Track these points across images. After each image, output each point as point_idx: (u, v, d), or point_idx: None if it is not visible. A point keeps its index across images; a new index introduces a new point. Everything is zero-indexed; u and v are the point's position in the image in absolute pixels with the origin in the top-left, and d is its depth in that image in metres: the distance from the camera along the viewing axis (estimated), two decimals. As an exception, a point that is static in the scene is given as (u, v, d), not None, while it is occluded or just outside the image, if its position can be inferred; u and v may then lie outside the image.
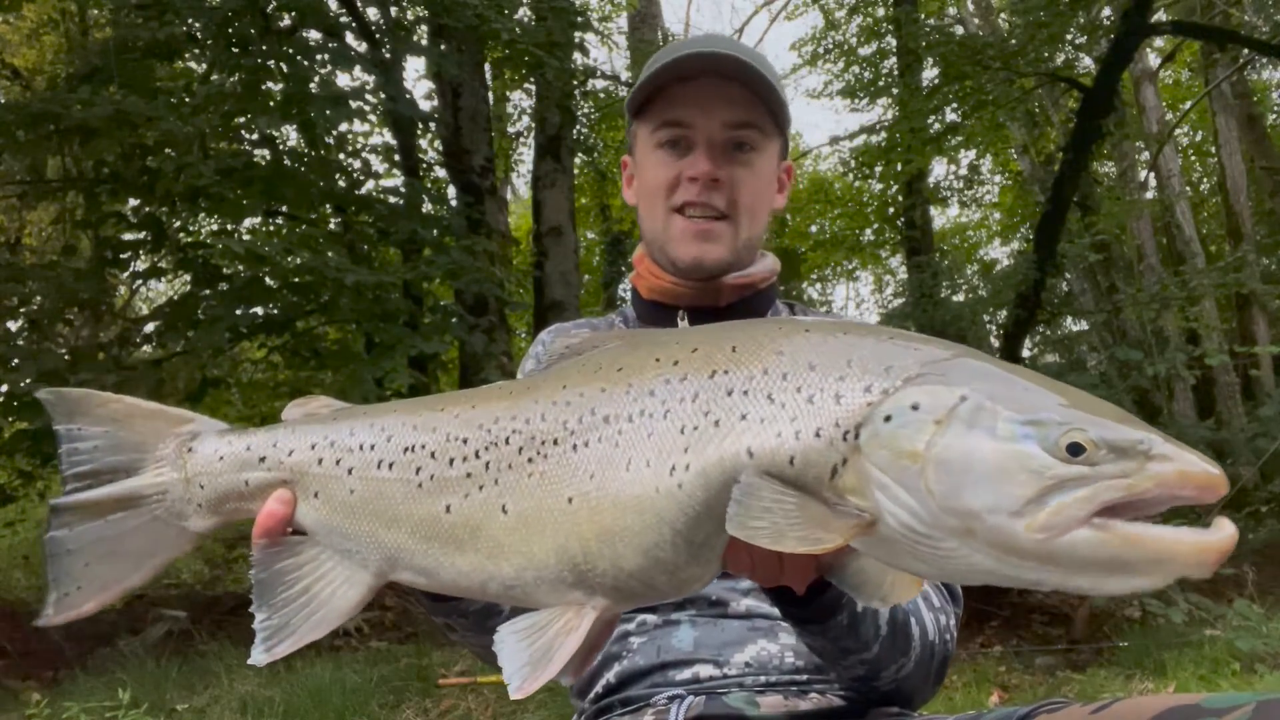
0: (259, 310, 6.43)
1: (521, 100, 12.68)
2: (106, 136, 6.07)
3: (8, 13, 7.78)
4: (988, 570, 0.75)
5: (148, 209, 6.76)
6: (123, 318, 8.39)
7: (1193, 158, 16.11)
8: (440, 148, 8.81)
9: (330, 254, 6.37)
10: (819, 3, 13.51)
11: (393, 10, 7.70)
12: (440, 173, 9.03)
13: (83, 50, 7.75)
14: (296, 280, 6.18)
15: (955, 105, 8.81)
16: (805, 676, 1.27)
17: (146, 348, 7.30)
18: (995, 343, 9.55)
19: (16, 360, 5.77)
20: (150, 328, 6.96)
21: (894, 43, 10.11)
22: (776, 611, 1.26)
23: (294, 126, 7.10)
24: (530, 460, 0.88)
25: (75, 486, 1.03)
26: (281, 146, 7.64)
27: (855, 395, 0.78)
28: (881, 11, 10.88)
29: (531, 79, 9.42)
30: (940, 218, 16.43)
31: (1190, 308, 9.46)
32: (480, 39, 7.73)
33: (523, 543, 0.87)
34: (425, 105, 8.89)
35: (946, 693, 4.68)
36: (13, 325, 6.78)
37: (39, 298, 6.64)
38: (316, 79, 6.55)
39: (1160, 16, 8.36)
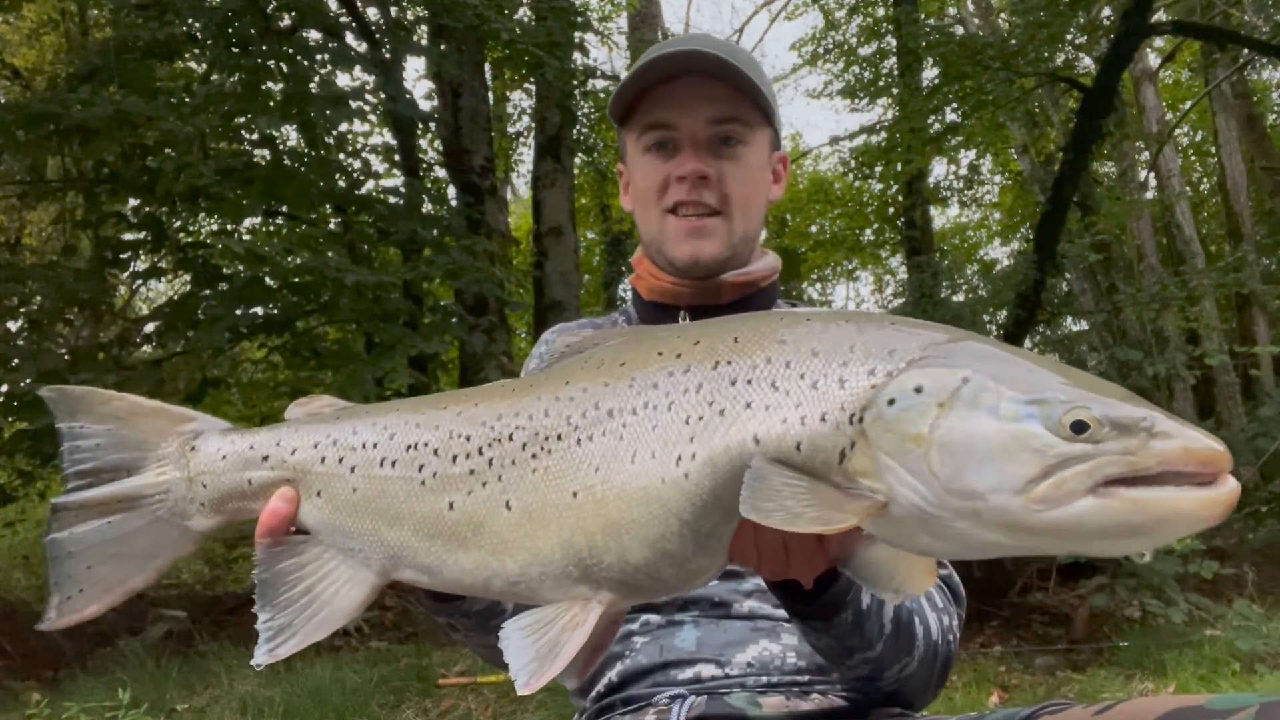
0: (259, 310, 6.44)
1: (521, 100, 12.70)
2: (106, 136, 6.07)
3: (8, 13, 7.78)
4: (1002, 545, 0.75)
5: (148, 209, 6.76)
6: (123, 318, 8.39)
7: (1193, 158, 16.11)
8: (440, 148, 8.81)
9: (330, 254, 6.37)
10: (819, 3, 13.51)
11: (393, 10, 7.70)
12: (440, 173, 9.04)
13: (83, 50, 7.74)
14: (296, 280, 6.18)
15: (955, 105, 8.81)
16: (807, 677, 1.27)
17: (146, 348, 7.31)
18: (995, 343, 9.51)
19: (16, 360, 5.76)
20: (150, 328, 6.97)
21: (894, 43, 10.11)
22: (780, 613, 1.27)
23: (294, 126, 7.10)
24: (534, 456, 0.88)
25: (77, 485, 1.03)
26: (281, 146, 7.64)
27: (859, 379, 0.78)
28: (881, 11, 10.88)
29: (531, 79, 9.42)
30: (940, 218, 16.45)
31: (1190, 308, 9.46)
32: (480, 39, 7.73)
33: (527, 538, 0.87)
34: (425, 105, 8.90)
35: (946, 693, 4.68)
36: (13, 325, 6.78)
37: (39, 298, 6.63)
38: (316, 79, 6.56)
39: (1160, 16, 8.36)
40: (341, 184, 7.04)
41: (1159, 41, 11.49)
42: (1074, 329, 11.11)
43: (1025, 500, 0.71)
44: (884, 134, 10.33)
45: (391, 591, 6.58)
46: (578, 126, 9.72)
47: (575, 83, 8.82)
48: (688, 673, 1.27)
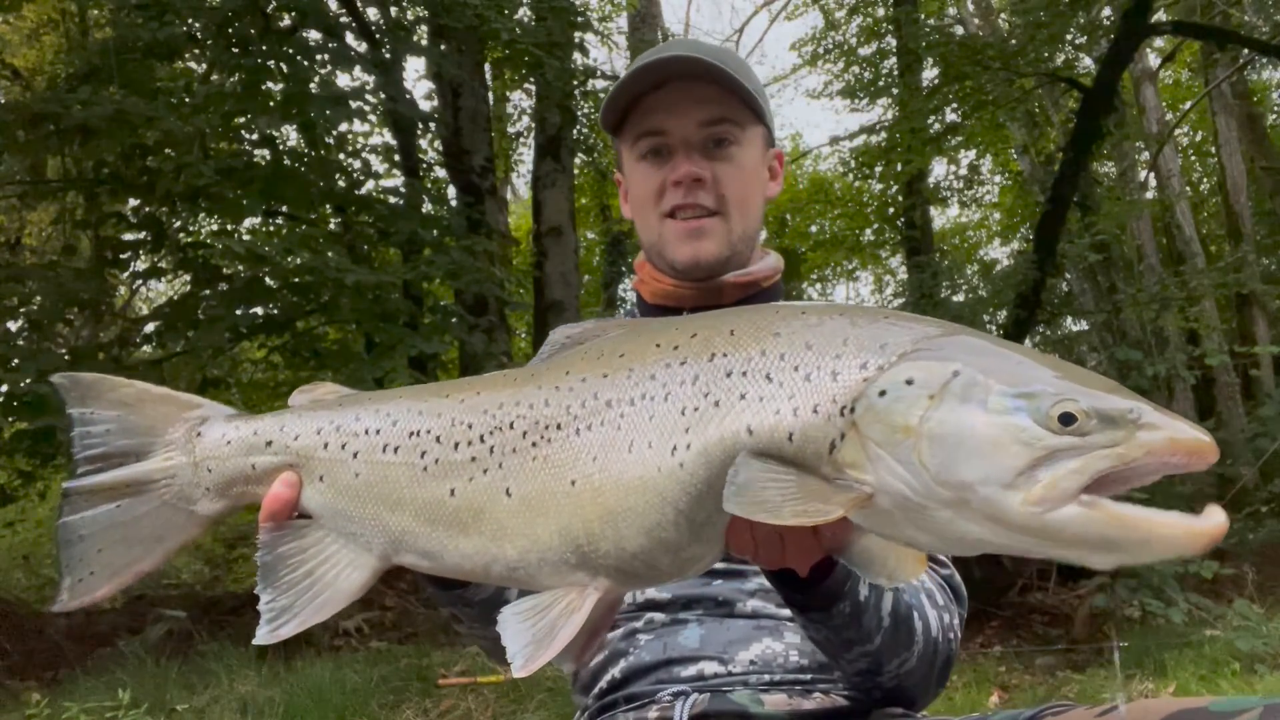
0: (259, 310, 6.45)
1: (521, 100, 12.70)
2: (106, 136, 6.08)
3: (8, 13, 7.79)
4: (983, 540, 0.76)
5: (148, 209, 6.77)
6: (123, 318, 8.39)
7: (1193, 158, 16.12)
8: (440, 148, 8.82)
9: (330, 254, 6.38)
10: (819, 3, 13.54)
11: (393, 10, 7.71)
12: (440, 173, 9.05)
13: (83, 50, 7.74)
14: (296, 280, 6.19)
15: (955, 105, 8.83)
16: (809, 676, 1.27)
17: (146, 348, 7.31)
18: (995, 343, 9.52)
19: (16, 360, 5.76)
20: (150, 328, 6.97)
21: (894, 43, 10.12)
22: (783, 612, 1.28)
23: (294, 126, 7.11)
24: (534, 444, 0.89)
25: (87, 469, 1.05)
26: (281, 146, 7.63)
27: (851, 372, 0.79)
28: (881, 11, 10.90)
29: (531, 79, 9.42)
30: (940, 218, 16.44)
31: (1190, 308, 9.47)
32: (480, 39, 7.75)
33: (526, 525, 0.88)
34: (425, 105, 8.91)
35: (946, 693, 4.67)
36: (13, 325, 6.77)
37: (39, 298, 6.63)
38: (316, 79, 6.57)
39: (1160, 16, 8.37)
40: (341, 184, 7.05)
41: (1159, 41, 11.50)
42: (1074, 329, 11.12)
43: (1012, 495, 0.72)
44: (884, 134, 10.35)
45: (392, 592, 6.59)
46: (578, 126, 9.73)
47: (575, 83, 8.82)
48: (691, 670, 1.28)
